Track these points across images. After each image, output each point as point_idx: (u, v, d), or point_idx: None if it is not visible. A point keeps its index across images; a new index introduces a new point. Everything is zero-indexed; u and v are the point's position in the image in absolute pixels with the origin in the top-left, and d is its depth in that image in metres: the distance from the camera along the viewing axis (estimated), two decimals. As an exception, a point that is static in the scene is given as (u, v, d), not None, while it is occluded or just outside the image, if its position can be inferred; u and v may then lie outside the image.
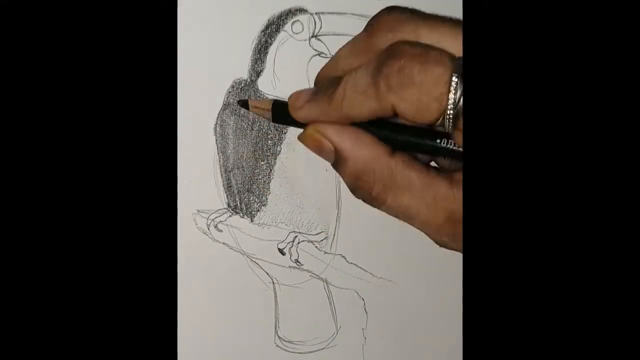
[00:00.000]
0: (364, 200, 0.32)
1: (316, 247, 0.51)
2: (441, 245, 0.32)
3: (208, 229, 0.50)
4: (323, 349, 0.52)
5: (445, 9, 0.49)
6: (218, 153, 0.50)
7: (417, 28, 0.30)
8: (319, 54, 0.50)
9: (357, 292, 0.51)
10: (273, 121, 0.36)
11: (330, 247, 0.51)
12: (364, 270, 0.50)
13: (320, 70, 0.35)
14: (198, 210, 0.50)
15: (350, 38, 0.47)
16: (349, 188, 0.32)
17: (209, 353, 0.51)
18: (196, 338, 0.50)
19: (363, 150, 0.31)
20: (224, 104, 0.49)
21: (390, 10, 0.32)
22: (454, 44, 0.29)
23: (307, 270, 0.51)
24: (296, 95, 0.33)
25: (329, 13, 0.49)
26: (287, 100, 0.34)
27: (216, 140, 0.49)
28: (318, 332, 0.52)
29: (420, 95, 0.28)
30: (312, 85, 0.48)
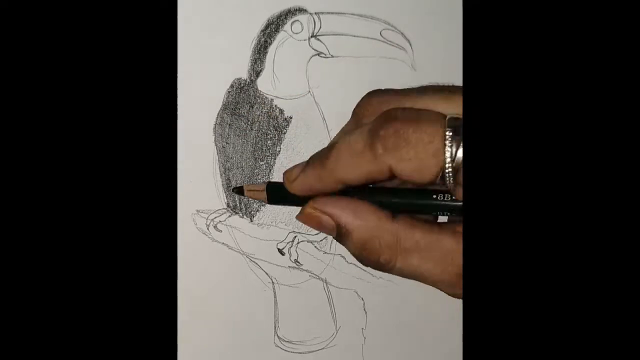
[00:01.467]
0: (373, 267, 0.32)
1: (315, 247, 0.51)
2: (457, 297, 0.32)
3: (207, 229, 0.50)
4: (322, 348, 0.52)
5: (445, 8, 0.49)
6: (217, 153, 0.50)
7: (401, 104, 0.31)
8: (318, 54, 0.50)
9: (356, 292, 0.51)
10: (269, 203, 0.37)
11: (330, 247, 0.51)
12: (364, 270, 0.50)
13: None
14: (197, 210, 0.50)
15: (349, 38, 0.47)
16: (355, 258, 0.32)
17: (208, 353, 0.51)
18: (195, 338, 0.50)
19: (364, 219, 0.31)
20: (224, 104, 0.49)
21: (372, 94, 0.33)
22: (441, 109, 0.30)
23: (306, 270, 0.51)
24: (289, 169, 0.34)
25: (328, 13, 0.49)
26: (280, 180, 0.35)
27: (215, 140, 0.49)
28: (318, 332, 0.52)
29: (417, 153, 0.29)
30: (311, 85, 0.48)
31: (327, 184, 0.32)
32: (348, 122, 0.34)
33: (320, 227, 0.33)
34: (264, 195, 0.36)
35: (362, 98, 0.33)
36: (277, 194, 0.35)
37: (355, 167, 0.30)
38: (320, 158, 0.32)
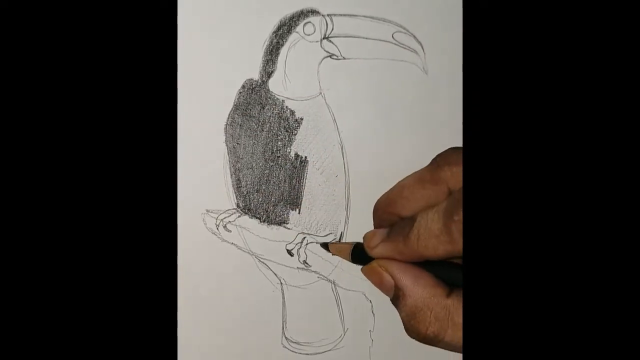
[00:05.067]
0: (417, 340, 0.33)
1: (325, 248, 0.51)
2: None
3: (217, 229, 0.50)
4: (330, 350, 0.52)
5: (445, 13, 0.49)
6: (228, 153, 0.50)
7: None
8: (330, 56, 0.50)
9: (364, 295, 0.51)
10: (352, 262, 0.37)
11: (339, 249, 0.51)
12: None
13: (382, 195, 0.36)
14: (207, 210, 0.50)
15: (361, 40, 0.47)
16: (403, 326, 0.33)
17: (215, 353, 0.51)
18: (203, 338, 0.50)
19: (422, 288, 0.32)
20: (235, 105, 0.49)
21: (453, 149, 0.34)
22: None
23: (315, 271, 0.51)
24: (371, 234, 0.35)
25: (340, 15, 0.49)
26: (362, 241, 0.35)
27: (226, 140, 0.50)
28: (325, 333, 0.52)
29: None
30: (323, 87, 0.48)
31: (408, 257, 0.33)
32: (424, 168, 0.35)
33: (380, 283, 0.34)
34: (349, 255, 0.38)
35: (444, 151, 0.34)
36: (360, 255, 0.36)
37: (434, 247, 0.31)
38: (402, 234, 0.33)
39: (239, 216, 0.50)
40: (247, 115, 0.49)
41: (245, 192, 0.50)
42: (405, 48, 0.50)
